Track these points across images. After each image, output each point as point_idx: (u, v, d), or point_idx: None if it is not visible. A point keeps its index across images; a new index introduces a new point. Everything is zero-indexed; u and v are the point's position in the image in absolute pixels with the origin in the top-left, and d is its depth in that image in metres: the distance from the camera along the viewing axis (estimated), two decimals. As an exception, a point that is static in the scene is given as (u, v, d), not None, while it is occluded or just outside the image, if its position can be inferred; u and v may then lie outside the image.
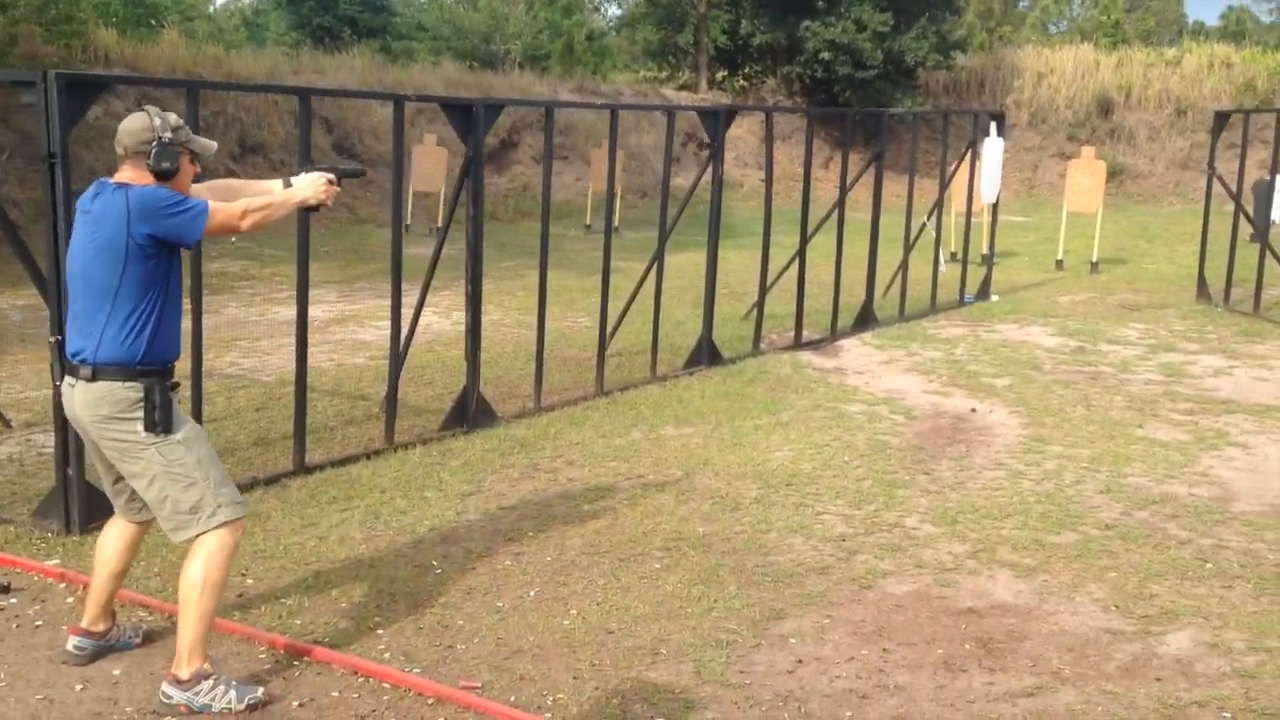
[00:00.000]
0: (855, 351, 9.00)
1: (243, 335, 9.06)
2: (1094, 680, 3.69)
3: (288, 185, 3.70)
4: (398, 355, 6.16)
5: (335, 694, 3.54)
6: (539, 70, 22.41)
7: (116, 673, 3.63)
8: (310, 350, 5.85)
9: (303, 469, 5.57)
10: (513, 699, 3.52)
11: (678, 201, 8.14)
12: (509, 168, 18.87)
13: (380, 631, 3.96)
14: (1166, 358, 8.74)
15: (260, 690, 3.44)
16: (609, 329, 7.58)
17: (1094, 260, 13.67)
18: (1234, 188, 10.96)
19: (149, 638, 3.83)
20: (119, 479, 3.53)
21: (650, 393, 7.41)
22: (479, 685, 3.59)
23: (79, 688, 3.54)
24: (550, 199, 6.86)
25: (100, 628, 3.67)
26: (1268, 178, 13.58)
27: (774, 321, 9.33)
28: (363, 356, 8.39)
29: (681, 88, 23.56)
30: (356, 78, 17.89)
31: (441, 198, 15.55)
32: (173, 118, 3.42)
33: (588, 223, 17.30)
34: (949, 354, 8.86)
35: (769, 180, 8.53)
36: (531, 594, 4.30)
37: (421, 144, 15.59)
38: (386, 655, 3.80)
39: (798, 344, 8.94)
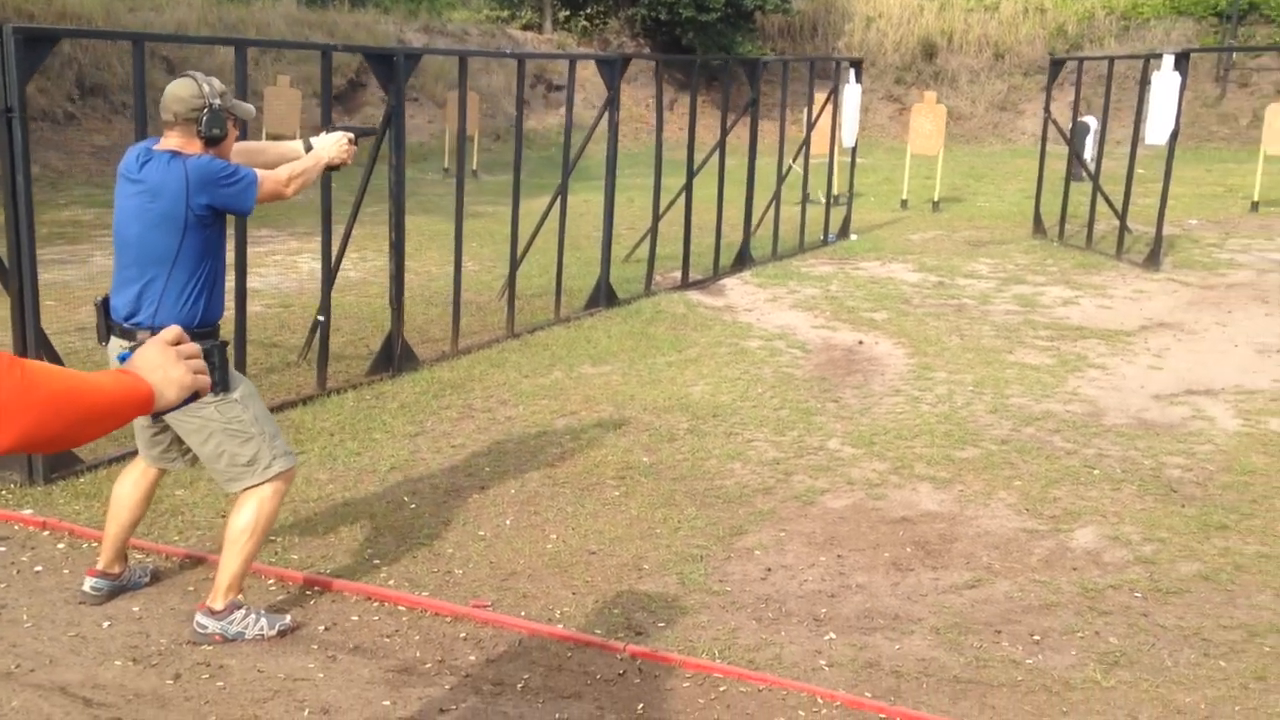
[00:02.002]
0: (739, 290, 9.45)
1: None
2: (1022, 572, 4.23)
3: (308, 147, 3.78)
4: (328, 301, 6.22)
5: (355, 618, 3.74)
6: (381, 8, 21.86)
7: (136, 609, 3.73)
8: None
9: (243, 416, 5.61)
10: (523, 613, 3.80)
11: (532, 145, 8.31)
12: (359, 110, 18.48)
13: (377, 562, 4.16)
14: (1018, 289, 9.54)
15: (288, 617, 3.62)
16: (512, 271, 7.76)
17: (935, 200, 14.54)
18: (1052, 131, 11.86)
19: (156, 576, 3.93)
20: (161, 430, 3.59)
21: (559, 334, 7.66)
22: (489, 603, 3.85)
23: (106, 624, 3.63)
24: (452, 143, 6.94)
25: (116, 569, 3.76)
26: (1085, 119, 14.73)
27: (661, 262, 9.66)
28: (259, 304, 8.30)
29: (525, 28, 23.41)
30: (196, 15, 17.12)
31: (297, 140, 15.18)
32: (217, 83, 3.47)
33: (446, 165, 17.18)
34: (825, 290, 9.42)
35: (659, 125, 8.81)
36: (508, 523, 4.56)
37: (274, 85, 15.13)
38: (391, 583, 4.00)
39: (685, 284, 9.32)
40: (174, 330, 1.76)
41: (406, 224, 6.51)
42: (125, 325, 3.42)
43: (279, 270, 9.55)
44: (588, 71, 21.41)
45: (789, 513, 4.76)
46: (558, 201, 7.88)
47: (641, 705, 3.27)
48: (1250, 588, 4.06)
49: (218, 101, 3.42)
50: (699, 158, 9.45)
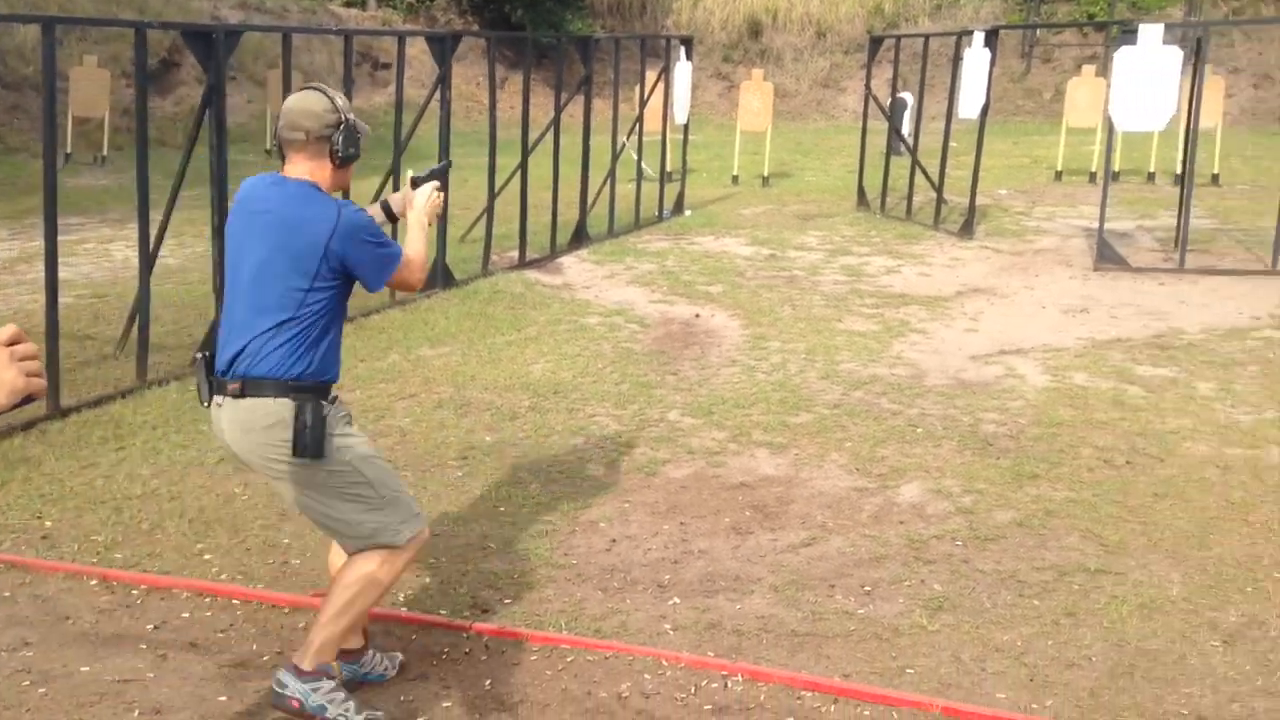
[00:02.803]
0: (576, 268, 9.49)
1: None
2: (853, 528, 4.42)
3: (385, 205, 3.36)
4: (146, 292, 5.96)
5: (186, 615, 3.63)
6: (192, -17, 20.88)
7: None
8: (4, 292, 5.54)
9: (58, 412, 5.34)
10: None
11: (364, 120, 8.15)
12: (173, 89, 17.66)
13: (208, 556, 4.04)
14: (845, 260, 9.88)
15: (380, 713, 3.07)
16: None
17: (765, 175, 14.88)
18: (873, 106, 12.32)
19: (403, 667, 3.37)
20: None
21: (393, 316, 7.54)
22: (330, 593, 3.79)
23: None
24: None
25: (355, 645, 3.22)
26: (903, 95, 15.31)
27: (497, 242, 9.60)
28: (70, 295, 7.87)
29: (348, 4, 22.78)
30: (-14, -11, 15.98)
31: (106, 123, 14.42)
32: (343, 97, 3.05)
33: (268, 147, 16.60)
34: (662, 265, 9.55)
35: (492, 103, 8.76)
36: (347, 510, 4.48)
37: (80, 65, 14.31)
38: (224, 577, 3.89)
39: (522, 263, 9.30)
40: (9, 329, 1.61)
41: (230, 208, 6.29)
42: (221, 379, 2.96)
43: (91, 259, 9.09)
44: (414, 49, 21.02)
45: (632, 484, 4.84)
46: (390, 182, 7.74)
47: (489, 681, 3.28)
48: (1059, 531, 4.34)
49: (352, 116, 3.00)
50: (533, 136, 9.43)
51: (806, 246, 10.56)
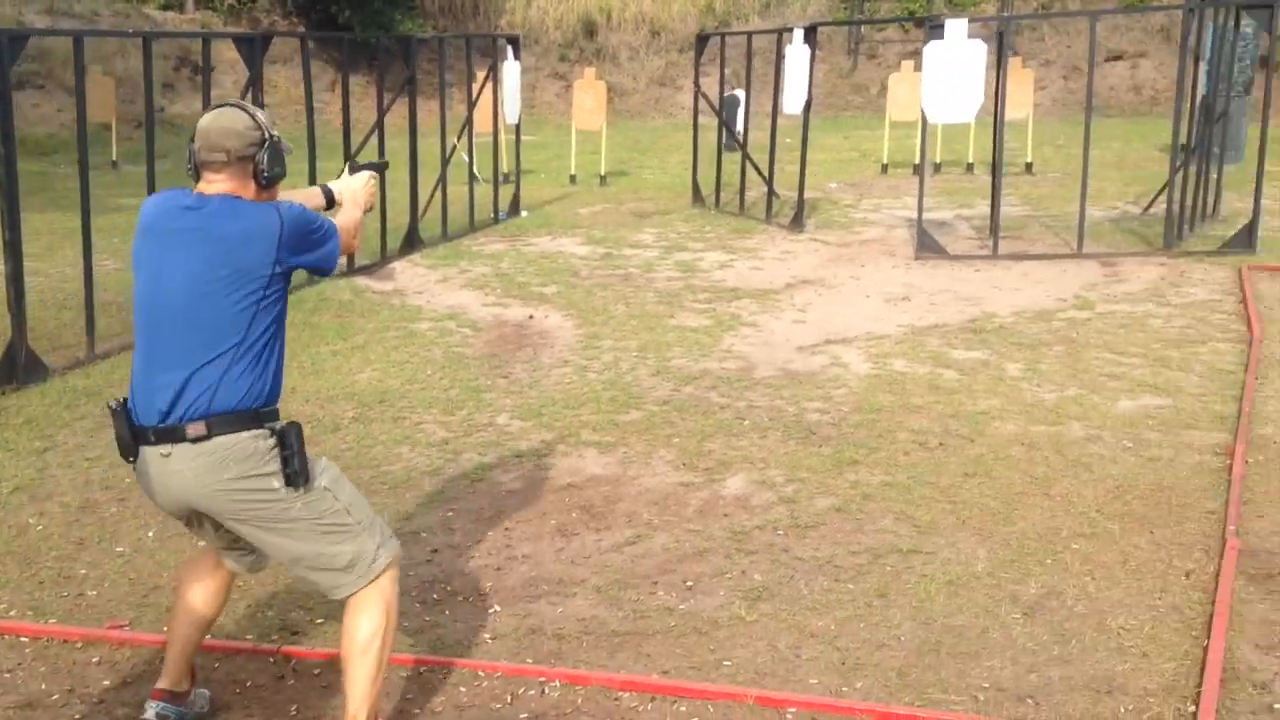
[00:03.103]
0: (409, 273, 9.30)
1: None
2: (678, 524, 4.44)
3: (327, 190, 3.22)
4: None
5: (-31, 662, 3.38)
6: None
7: None
8: None
9: None
10: (165, 629, 3.56)
11: (180, 131, 7.86)
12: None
13: (-3, 596, 3.78)
14: (679, 256, 9.96)
15: None
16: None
17: (602, 174, 14.91)
18: (706, 104, 12.48)
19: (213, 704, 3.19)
20: (230, 536, 2.92)
21: (212, 329, 7.24)
22: (127, 623, 3.60)
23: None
24: (85, 133, 6.40)
25: (185, 688, 3.05)
26: (735, 93, 15.57)
27: (322, 249, 9.34)
28: None
29: (165, 7, 21.83)
30: None
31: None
32: (265, 113, 2.89)
33: (114, 159, 15.77)
34: (497, 268, 9.45)
35: (309, 107, 8.50)
36: (150, 535, 4.28)
37: None
38: (13, 613, 3.65)
39: (351, 270, 9.06)
40: None
41: (37, 222, 5.93)
42: (164, 426, 2.69)
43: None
44: (234, 53, 20.34)
45: (457, 492, 4.75)
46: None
47: (295, 707, 3.17)
48: (875, 514, 4.45)
49: (275, 133, 2.83)
50: (358, 139, 9.21)
51: (642, 244, 10.61)
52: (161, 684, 3.01)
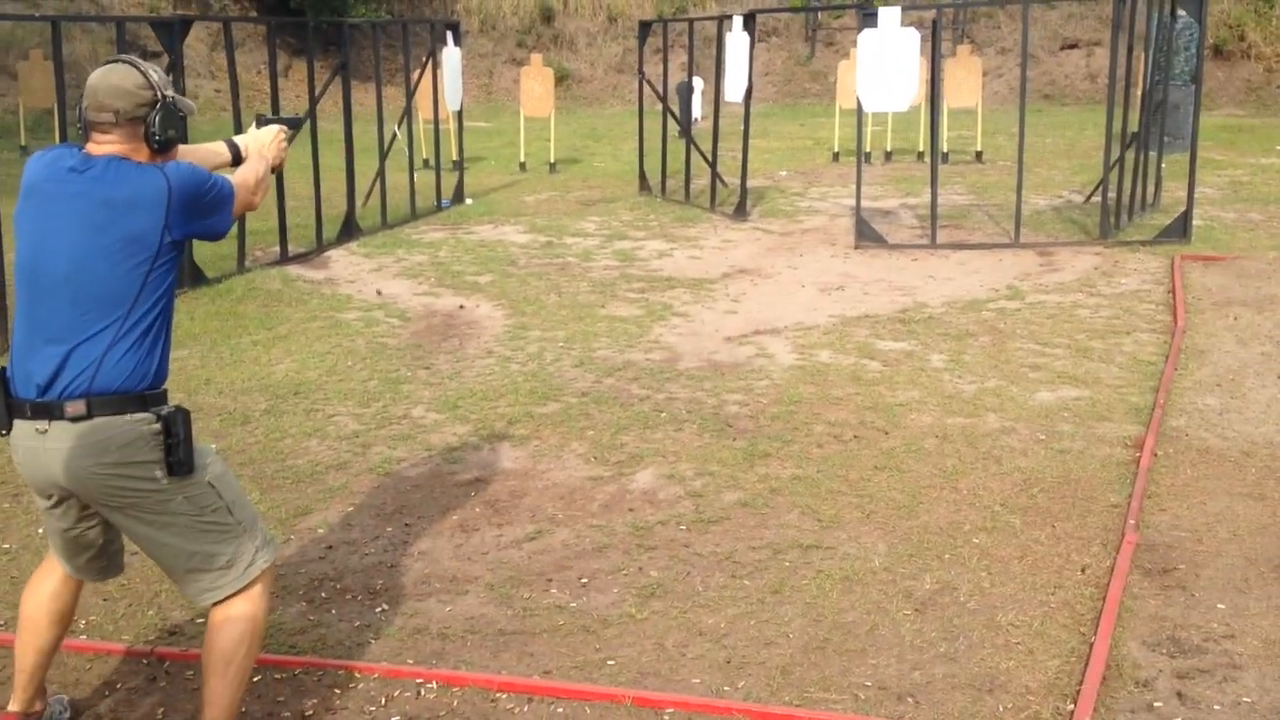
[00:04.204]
0: (344, 262, 9.19)
1: None
2: (582, 519, 4.38)
3: (233, 145, 3.03)
4: None
5: None
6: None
7: None
8: None
9: None
10: (15, 647, 3.48)
11: None
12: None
13: None
14: (620, 245, 9.90)
15: None
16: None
17: (552, 161, 14.81)
18: (661, 90, 12.42)
19: (76, 710, 3.09)
20: (87, 528, 2.78)
21: (133, 319, 7.11)
22: (1, 623, 3.50)
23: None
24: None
25: (38, 708, 2.92)
26: (688, 79, 15.50)
27: (256, 238, 9.21)
28: None
29: (114, -12, 21.48)
30: None
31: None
32: (159, 71, 2.68)
33: (23, 143, 15.51)
34: (434, 257, 9.35)
35: (234, 92, 8.35)
36: (39, 532, 4.17)
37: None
38: (-120, 620, 3.55)
39: (284, 259, 8.94)
40: None
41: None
42: (42, 400, 2.53)
43: None
44: (189, 38, 20.02)
45: (361, 486, 4.67)
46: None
47: (163, 710, 3.09)
48: (781, 509, 4.42)
49: (169, 94, 2.64)
50: (322, 126, 9.06)
51: (584, 233, 10.54)
52: (13, 708, 2.88)
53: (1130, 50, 9.29)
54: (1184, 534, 4.10)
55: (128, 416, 2.56)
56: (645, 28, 12.58)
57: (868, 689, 3.20)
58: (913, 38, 8.47)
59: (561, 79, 23.47)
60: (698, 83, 16.94)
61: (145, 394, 2.59)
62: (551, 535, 4.23)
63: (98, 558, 2.88)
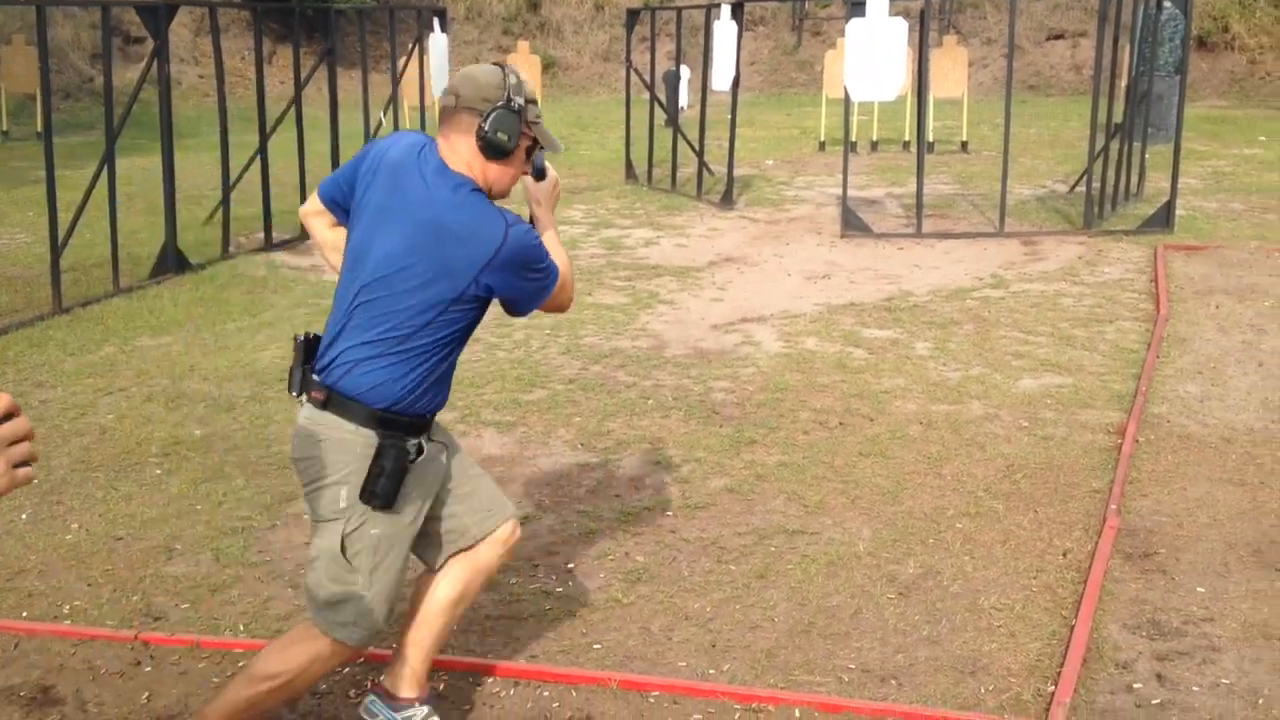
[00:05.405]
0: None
1: None
2: (569, 504, 4.40)
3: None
4: None
5: None
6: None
7: None
8: None
9: None
10: (24, 614, 3.48)
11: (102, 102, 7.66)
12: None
13: None
14: (606, 233, 9.90)
15: None
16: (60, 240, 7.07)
17: (538, 149, 14.76)
18: (648, 78, 12.40)
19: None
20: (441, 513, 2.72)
21: (117, 305, 7.09)
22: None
23: None
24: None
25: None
26: (675, 68, 15.48)
27: (240, 224, 9.17)
28: None
29: (96, -27, 21.34)
30: None
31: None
32: (530, 88, 2.63)
33: (4, 129, 15.39)
34: (418, 244, 9.32)
35: (220, 76, 8.31)
36: (23, 517, 4.17)
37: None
38: None
39: (269, 245, 8.90)
40: (3, 400, 1.29)
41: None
42: (314, 373, 2.57)
43: None
44: (174, 22, 19.88)
45: (346, 472, 4.67)
46: (119, 163, 7.24)
47: (147, 694, 3.09)
48: (767, 495, 4.44)
49: (520, 101, 2.53)
50: (275, 112, 9.04)
51: (570, 220, 10.52)
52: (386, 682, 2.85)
53: (1115, 41, 9.33)
54: (1164, 519, 4.14)
55: (351, 424, 2.52)
56: (633, 16, 12.56)
57: (851, 671, 3.22)
58: (900, 27, 8.48)
59: (548, 67, 23.40)
60: (685, 71, 16.94)
61: (379, 411, 2.53)
62: (538, 521, 4.24)
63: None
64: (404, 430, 2.56)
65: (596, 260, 8.80)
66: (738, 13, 10.37)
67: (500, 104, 2.52)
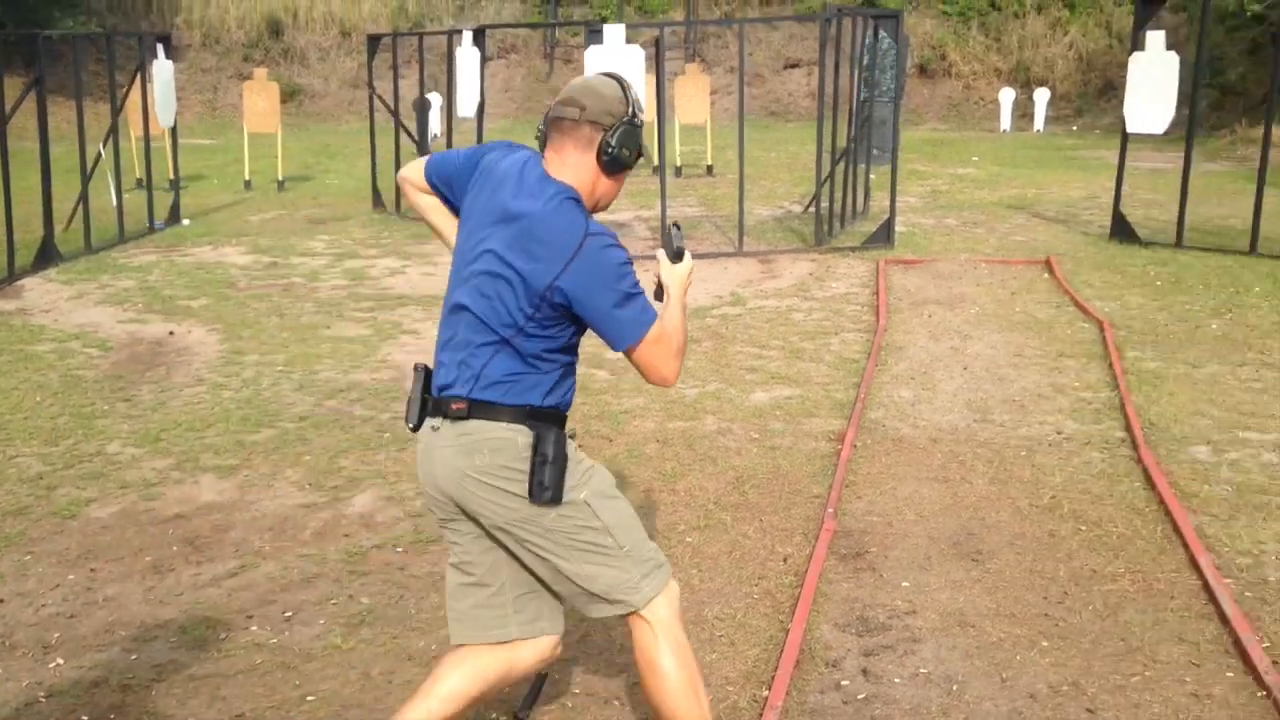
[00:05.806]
0: (39, 290, 8.48)
1: None
2: (291, 549, 4.19)
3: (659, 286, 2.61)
4: None
5: None
6: None
7: None
8: None
9: None
10: None
11: None
12: None
13: None
14: (350, 264, 9.61)
15: None
16: None
17: (280, 179, 14.25)
18: (393, 104, 12.18)
19: None
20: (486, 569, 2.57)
21: None
22: None
23: None
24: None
25: None
26: (426, 95, 15.29)
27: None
28: None
29: None
30: None
31: None
32: (642, 102, 2.55)
33: None
34: (143, 281, 8.77)
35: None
36: None
37: None
38: None
39: (-32, 288, 8.16)
40: None
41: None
42: (438, 396, 2.48)
43: None
44: None
45: (41, 532, 4.29)
46: None
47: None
48: (500, 523, 4.37)
49: (642, 119, 2.48)
50: (18, 145, 8.30)
51: (312, 252, 10.18)
52: None
53: (837, 69, 9.86)
54: (876, 519, 4.35)
55: (502, 425, 2.46)
56: (374, 41, 12.33)
57: (576, 696, 3.19)
58: (637, 55, 8.66)
59: (293, 94, 22.71)
60: (435, 98, 16.76)
61: (526, 408, 2.47)
62: (256, 569, 4.02)
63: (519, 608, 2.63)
64: (551, 422, 2.52)
65: (338, 292, 8.53)
66: (479, 38, 10.33)
67: (625, 120, 2.50)
